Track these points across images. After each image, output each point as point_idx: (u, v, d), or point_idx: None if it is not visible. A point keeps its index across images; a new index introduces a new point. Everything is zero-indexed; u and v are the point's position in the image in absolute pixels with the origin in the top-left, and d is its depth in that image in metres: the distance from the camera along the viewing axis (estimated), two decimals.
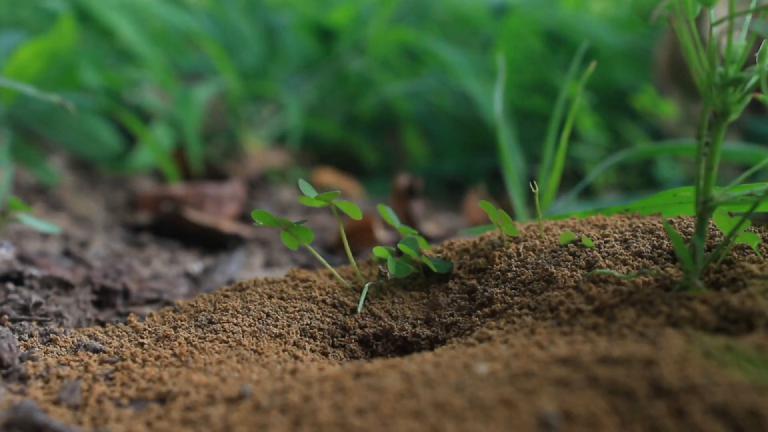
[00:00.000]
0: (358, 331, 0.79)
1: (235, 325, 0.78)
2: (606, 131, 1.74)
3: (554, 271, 0.75)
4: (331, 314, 0.81)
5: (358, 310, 0.81)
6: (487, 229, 0.93)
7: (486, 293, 0.78)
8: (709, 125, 0.66)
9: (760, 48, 0.66)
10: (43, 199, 1.46)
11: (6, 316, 0.83)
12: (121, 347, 0.75)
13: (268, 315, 0.80)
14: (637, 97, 1.61)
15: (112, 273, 1.00)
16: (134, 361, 0.72)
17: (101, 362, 0.73)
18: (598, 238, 0.79)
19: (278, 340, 0.76)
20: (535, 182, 0.81)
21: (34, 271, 0.93)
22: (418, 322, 0.79)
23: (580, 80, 1.03)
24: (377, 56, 1.95)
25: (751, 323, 0.63)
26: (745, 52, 0.65)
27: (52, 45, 1.46)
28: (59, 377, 0.70)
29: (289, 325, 0.79)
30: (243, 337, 0.76)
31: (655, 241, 0.77)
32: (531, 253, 0.80)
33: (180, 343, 0.75)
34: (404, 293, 0.84)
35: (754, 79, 0.65)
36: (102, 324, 0.90)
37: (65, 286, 0.94)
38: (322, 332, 0.79)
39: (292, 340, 0.77)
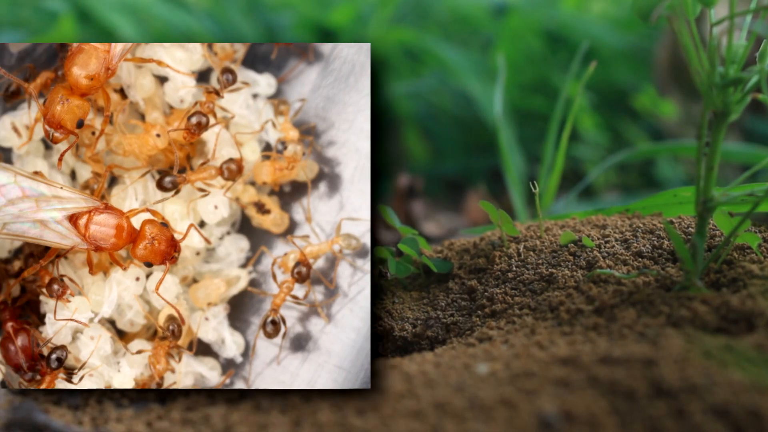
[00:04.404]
0: None
1: None
2: (606, 131, 1.74)
3: (554, 271, 0.75)
4: None
5: None
6: (487, 229, 0.93)
7: (486, 293, 0.78)
8: (709, 125, 0.66)
9: (760, 48, 0.66)
10: None
11: None
12: None
13: None
14: (637, 97, 1.61)
15: None
16: None
17: None
18: (598, 238, 0.79)
19: None
20: (535, 182, 0.81)
21: None
22: (418, 322, 0.79)
23: (580, 80, 1.03)
24: (377, 56, 1.95)
25: (751, 323, 0.63)
26: (745, 52, 0.65)
27: None
28: None
29: None
30: None
31: (655, 241, 0.77)
32: (531, 253, 0.80)
33: None
34: (404, 293, 0.84)
35: (754, 79, 0.65)
36: None
37: None
38: None
39: None
